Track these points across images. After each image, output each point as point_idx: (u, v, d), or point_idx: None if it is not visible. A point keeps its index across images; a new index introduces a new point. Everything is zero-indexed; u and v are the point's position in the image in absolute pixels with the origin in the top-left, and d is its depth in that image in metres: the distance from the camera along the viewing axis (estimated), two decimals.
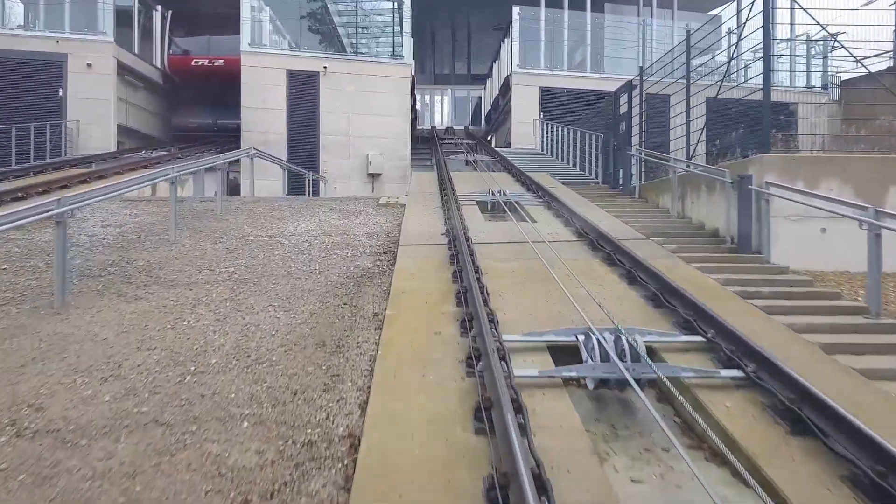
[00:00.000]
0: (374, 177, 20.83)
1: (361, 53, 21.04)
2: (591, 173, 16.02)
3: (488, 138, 32.64)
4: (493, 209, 10.08)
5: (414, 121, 29.61)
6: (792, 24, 16.02)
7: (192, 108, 22.93)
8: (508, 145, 23.03)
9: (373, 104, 20.73)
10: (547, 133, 20.74)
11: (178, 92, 23.21)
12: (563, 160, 18.70)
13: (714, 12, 29.29)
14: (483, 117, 35.00)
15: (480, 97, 37.43)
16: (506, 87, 24.25)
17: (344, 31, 22.28)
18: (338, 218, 9.26)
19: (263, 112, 19.92)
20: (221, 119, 22.55)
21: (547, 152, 20.50)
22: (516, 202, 9.75)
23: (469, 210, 9.59)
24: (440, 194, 11.02)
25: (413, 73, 23.80)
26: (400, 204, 10.35)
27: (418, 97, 37.58)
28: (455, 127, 35.63)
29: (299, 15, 20.37)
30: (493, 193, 10.37)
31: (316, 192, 19.45)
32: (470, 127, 35.65)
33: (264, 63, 19.91)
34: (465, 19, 34.88)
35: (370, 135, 20.76)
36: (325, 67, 20.09)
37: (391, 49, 21.31)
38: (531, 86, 22.48)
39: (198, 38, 22.67)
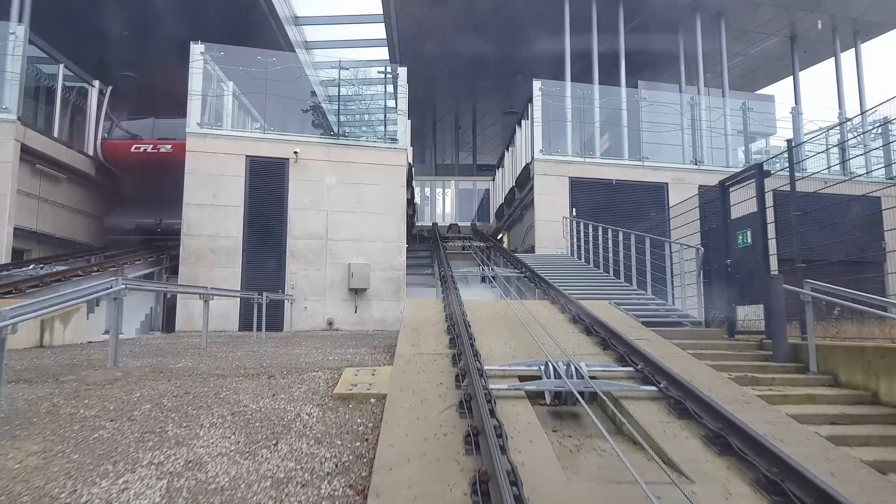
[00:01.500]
0: (357, 293, 16.09)
1: (345, 135, 16.91)
2: (655, 294, 11.32)
3: (499, 237, 28.36)
4: (564, 409, 5.21)
5: (412, 217, 25.33)
6: None
7: (132, 206, 18.60)
8: (531, 249, 18.48)
9: (358, 199, 16.39)
10: (580, 234, 16.23)
11: (116, 186, 18.96)
12: (605, 270, 14.06)
13: (763, 91, 25.86)
14: (493, 212, 30.88)
15: (488, 189, 33.57)
16: (524, 178, 20.07)
17: (328, 108, 18.31)
18: (228, 453, 4.35)
19: (213, 210, 15.49)
20: (168, 218, 18.13)
21: (582, 258, 15.88)
22: (606, 394, 4.95)
23: (517, 413, 4.75)
24: (452, 363, 6.18)
25: (410, 161, 19.71)
26: (374, 396, 5.43)
27: (417, 189, 33.73)
28: (460, 223, 31.42)
29: (268, 90, 16.37)
30: (554, 368, 5.57)
31: (276, 320, 14.63)
32: (477, 223, 31.42)
33: (217, 147, 15.72)
34: (471, 104, 31.66)
35: (354, 238, 16.26)
36: (295, 153, 15.88)
37: (383, 130, 17.20)
38: (558, 176, 18.26)
39: (144, 120, 18.69)
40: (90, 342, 10.91)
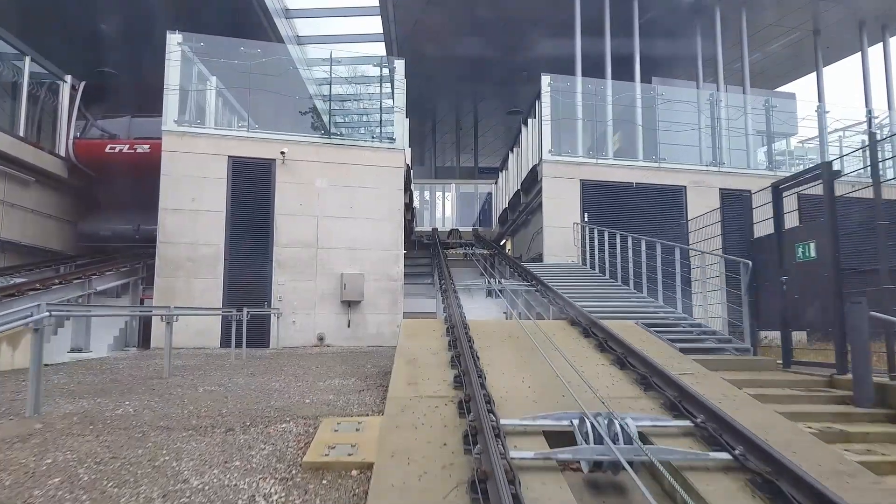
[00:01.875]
0: (350, 305, 14.81)
1: (337, 135, 15.65)
2: (682, 310, 10.05)
3: (502, 243, 27.12)
4: (605, 478, 3.96)
5: (410, 222, 24.08)
6: None
7: (109, 211, 17.32)
8: (539, 257, 17.20)
9: (352, 204, 15.14)
10: (592, 241, 14.97)
11: (91, 189, 17.69)
12: (624, 282, 12.81)
13: (783, 89, 24.64)
14: (496, 217, 29.62)
15: (491, 193, 32.32)
16: (531, 181, 18.81)
17: (320, 107, 17.04)
18: None
19: (192, 216, 14.22)
20: (148, 224, 16.86)
21: (596, 269, 14.60)
22: (665, 463, 3.68)
23: (549, 495, 3.49)
24: (459, 411, 4.91)
25: (409, 163, 18.46)
26: (357, 466, 4.14)
27: (416, 193, 32.51)
28: (461, 229, 30.17)
29: (253, 84, 15.12)
30: (592, 426, 4.30)
31: (261, 336, 13.39)
32: (479, 229, 30.17)
33: (196, 147, 14.46)
34: (472, 104, 30.44)
35: (347, 246, 14.99)
36: (282, 153, 14.62)
37: (378, 129, 15.94)
38: (569, 178, 17.00)
39: (121, 119, 17.41)
40: (48, 364, 9.62)
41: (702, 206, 17.58)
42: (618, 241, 13.12)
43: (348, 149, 15.46)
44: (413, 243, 26.12)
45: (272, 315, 14.13)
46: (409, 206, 22.05)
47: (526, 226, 21.48)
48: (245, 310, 11.26)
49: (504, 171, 27.08)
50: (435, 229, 28.90)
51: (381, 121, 15.93)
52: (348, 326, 14.83)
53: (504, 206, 25.62)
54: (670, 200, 17.50)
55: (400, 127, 16.09)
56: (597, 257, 14.74)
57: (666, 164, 17.69)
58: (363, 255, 15.09)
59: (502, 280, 13.46)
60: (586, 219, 16.35)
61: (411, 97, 17.64)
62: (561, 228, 16.67)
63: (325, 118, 15.86)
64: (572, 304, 9.07)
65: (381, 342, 14.80)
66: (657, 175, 17.59)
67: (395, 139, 15.78)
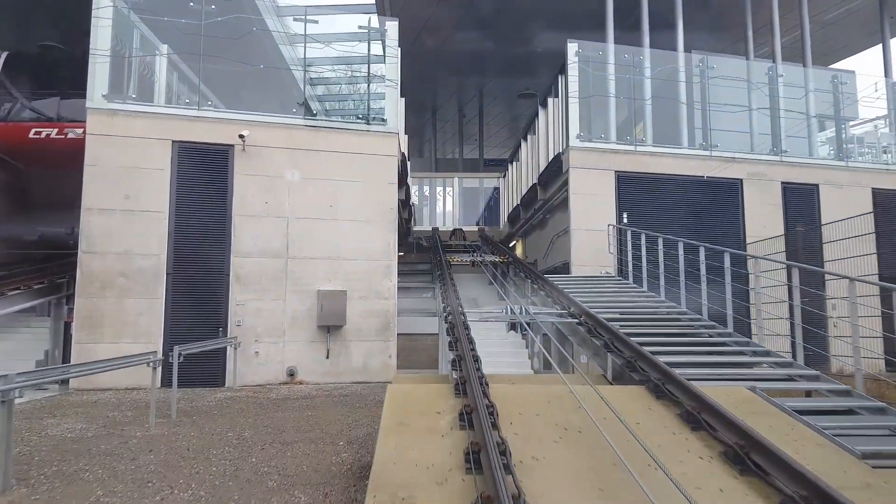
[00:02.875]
0: (330, 331, 11.84)
1: (313, 114, 12.60)
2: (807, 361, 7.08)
3: (511, 244, 24.13)
4: None
5: (407, 221, 21.08)
6: None
7: (37, 210, 14.31)
8: (565, 268, 14.19)
9: (332, 202, 12.16)
10: (629, 247, 11.99)
11: (14, 183, 14.65)
12: (677, 301, 9.84)
13: (837, 66, 21.59)
14: (504, 215, 26.61)
15: (498, 188, 29.28)
16: (553, 172, 15.80)
17: (295, 79, 13.97)
18: None
19: (126, 218, 11.22)
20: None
21: (640, 284, 11.59)
22: None
23: None
24: None
25: (405, 151, 15.46)
26: None
27: (415, 189, 29.50)
28: (465, 228, 27.16)
29: (205, 50, 12.08)
30: None
31: (214, 372, 10.48)
32: (486, 228, 27.14)
33: (132, 129, 11.46)
34: (477, 88, 27.30)
35: (326, 255, 12.02)
36: (242, 137, 11.58)
37: (365, 108, 12.91)
38: (601, 169, 13.99)
39: (49, 99, 14.31)
40: None
41: (760, 203, 14.62)
42: (681, 251, 10.08)
43: (328, 132, 12.43)
44: (410, 246, 23.13)
45: (228, 346, 11.14)
46: (405, 203, 19.06)
47: (543, 227, 18.46)
48: (177, 350, 8.25)
49: (515, 164, 24.03)
50: (435, 229, 25.88)
51: (367, 96, 12.88)
52: (327, 357, 11.83)
53: (515, 203, 22.59)
54: (723, 197, 14.50)
55: (393, 105, 13.06)
56: (631, 266, 11.72)
57: (718, 152, 14.67)
58: (346, 268, 12.08)
59: (530, 307, 10.40)
60: (625, 219, 13.33)
61: (408, 79, 14.64)
62: (592, 231, 13.65)
63: (301, 94, 12.77)
64: (655, 362, 6.03)
65: (368, 377, 11.84)
66: (705, 166, 14.57)
67: (386, 120, 12.75)
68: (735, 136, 15.55)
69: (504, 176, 27.26)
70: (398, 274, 12.76)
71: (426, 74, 24.48)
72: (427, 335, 14.57)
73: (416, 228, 27.11)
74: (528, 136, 20.53)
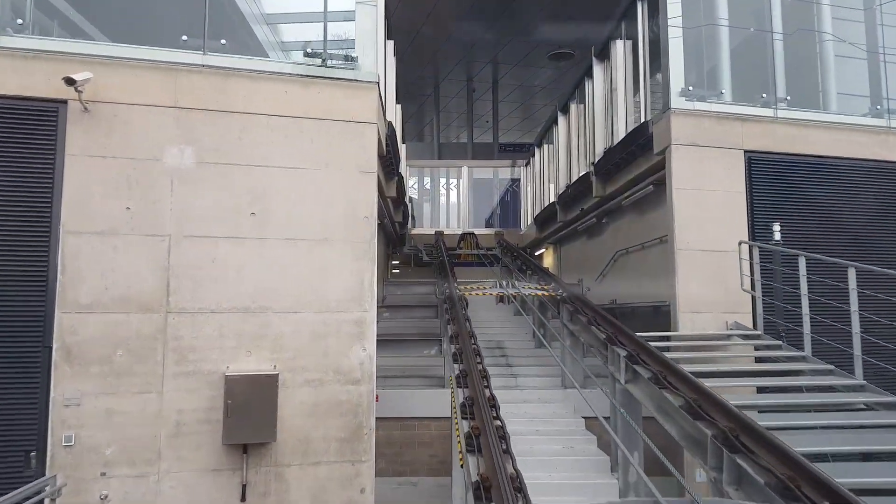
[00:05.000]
0: (248, 450, 6.36)
1: (221, 43, 7.02)
2: None
3: (538, 252, 18.80)
4: None
5: (401, 225, 15.64)
6: None
7: None
8: (657, 313, 8.74)
9: (255, 204, 6.73)
10: (770, 277, 6.69)
11: None
12: None
13: None
14: (527, 214, 21.18)
15: (517, 180, 23.81)
16: (624, 155, 10.31)
17: None
18: None
19: None
20: None
21: (801, 345, 6.14)
22: None
23: None
24: None
25: (393, 122, 10.01)
26: None
27: (412, 180, 24.04)
28: (476, 231, 21.73)
29: None
30: None
31: None
32: (503, 232, 21.67)
33: None
34: (490, 51, 21.66)
35: (242, 306, 6.56)
36: (71, 83, 6.04)
37: (321, 40, 7.34)
38: (723, 148, 8.54)
39: None
40: None
41: None
42: None
43: (250, 79, 6.95)
44: (407, 259, 17.70)
45: (44, 492, 5.73)
46: (398, 201, 13.61)
47: (597, 234, 13.07)
48: None
49: (546, 146, 18.52)
50: (439, 234, 20.41)
51: (325, 17, 7.32)
52: (242, 501, 6.39)
53: (550, 200, 17.11)
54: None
55: (371, 37, 7.55)
56: (791, 319, 6.34)
57: None
58: (279, 327, 6.66)
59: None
60: (777, 234, 7.87)
61: (406, 48, 9.16)
62: (711, 254, 8.24)
63: (199, 9, 7.23)
64: None
65: None
66: (883, 143, 9.11)
67: (356, 59, 7.26)
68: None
69: (527, 164, 21.76)
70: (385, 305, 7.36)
71: (426, 34, 18.98)
72: (429, 420, 9.21)
73: (414, 231, 21.69)
74: (572, 107, 14.99)
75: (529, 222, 20.46)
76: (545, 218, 17.17)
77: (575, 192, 13.76)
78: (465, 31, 19.49)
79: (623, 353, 6.59)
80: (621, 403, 6.75)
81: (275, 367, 6.60)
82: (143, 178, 6.52)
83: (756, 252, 7.87)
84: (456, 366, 7.83)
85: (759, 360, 7.77)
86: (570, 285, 11.91)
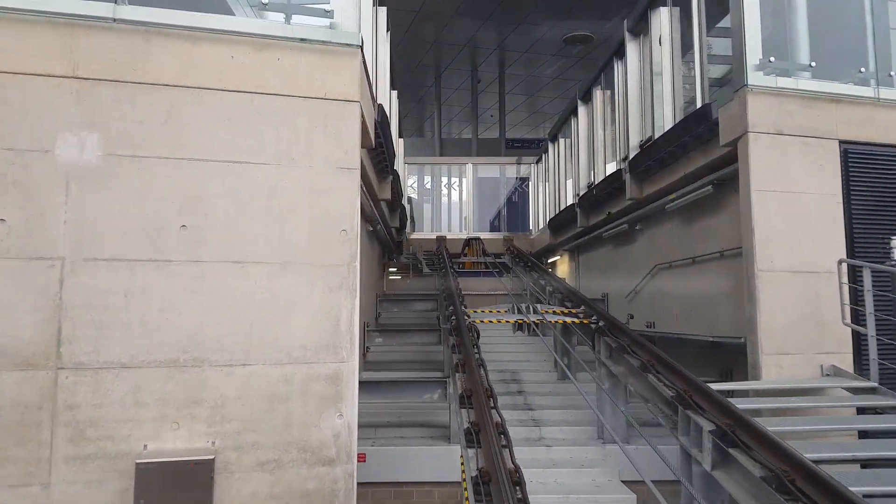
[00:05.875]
0: None
1: None
2: None
3: (550, 261, 16.97)
4: None
5: (399, 231, 13.75)
6: None
7: None
8: (720, 349, 6.80)
9: (186, 214, 4.74)
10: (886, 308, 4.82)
11: None
12: None
13: None
14: (539, 218, 19.30)
15: (525, 179, 21.88)
16: (670, 150, 8.33)
17: None
18: None
19: None
20: None
21: None
22: None
23: None
24: None
25: (383, 105, 8.10)
26: None
27: (411, 179, 22.14)
28: (483, 235, 19.82)
29: None
30: None
31: None
32: (513, 238, 19.77)
33: None
34: (497, 37, 19.74)
35: (167, 358, 4.57)
36: None
37: None
38: (814, 137, 6.56)
39: None
40: None
41: None
42: None
43: (178, 38, 5.03)
44: (405, 269, 15.79)
45: None
46: (393, 205, 11.70)
47: (630, 242, 11.16)
48: None
49: (562, 140, 16.58)
50: (441, 239, 18.47)
51: None
52: None
53: (567, 202, 15.18)
54: None
55: None
56: None
57: None
58: (221, 388, 4.77)
59: None
60: (895, 252, 5.96)
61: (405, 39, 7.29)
62: (800, 275, 6.32)
63: None
64: None
65: None
66: None
67: (332, 12, 5.34)
68: None
69: (539, 162, 19.85)
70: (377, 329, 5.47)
71: (426, 18, 17.10)
72: (431, 485, 7.29)
73: (414, 236, 19.79)
74: (596, 93, 13.03)
75: (541, 226, 18.54)
76: (562, 222, 15.24)
77: (600, 194, 11.84)
78: (469, 14, 17.57)
79: (708, 426, 4.65)
80: (701, 491, 4.83)
81: (213, 443, 4.69)
82: (26, 178, 4.61)
83: (868, 275, 5.94)
84: (464, 411, 5.94)
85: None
86: (599, 305, 10.00)
